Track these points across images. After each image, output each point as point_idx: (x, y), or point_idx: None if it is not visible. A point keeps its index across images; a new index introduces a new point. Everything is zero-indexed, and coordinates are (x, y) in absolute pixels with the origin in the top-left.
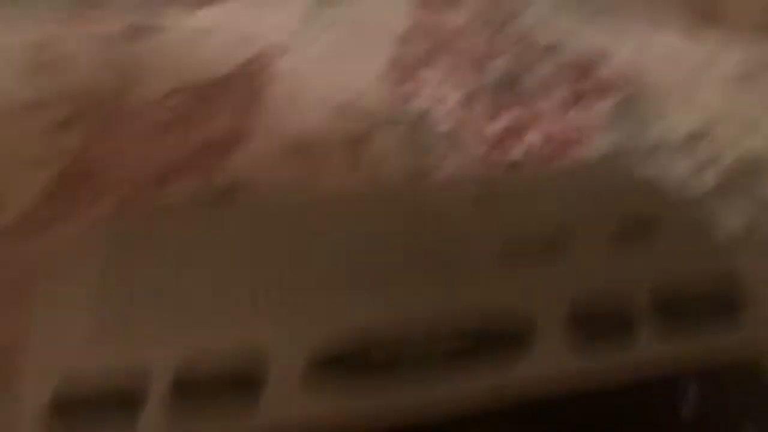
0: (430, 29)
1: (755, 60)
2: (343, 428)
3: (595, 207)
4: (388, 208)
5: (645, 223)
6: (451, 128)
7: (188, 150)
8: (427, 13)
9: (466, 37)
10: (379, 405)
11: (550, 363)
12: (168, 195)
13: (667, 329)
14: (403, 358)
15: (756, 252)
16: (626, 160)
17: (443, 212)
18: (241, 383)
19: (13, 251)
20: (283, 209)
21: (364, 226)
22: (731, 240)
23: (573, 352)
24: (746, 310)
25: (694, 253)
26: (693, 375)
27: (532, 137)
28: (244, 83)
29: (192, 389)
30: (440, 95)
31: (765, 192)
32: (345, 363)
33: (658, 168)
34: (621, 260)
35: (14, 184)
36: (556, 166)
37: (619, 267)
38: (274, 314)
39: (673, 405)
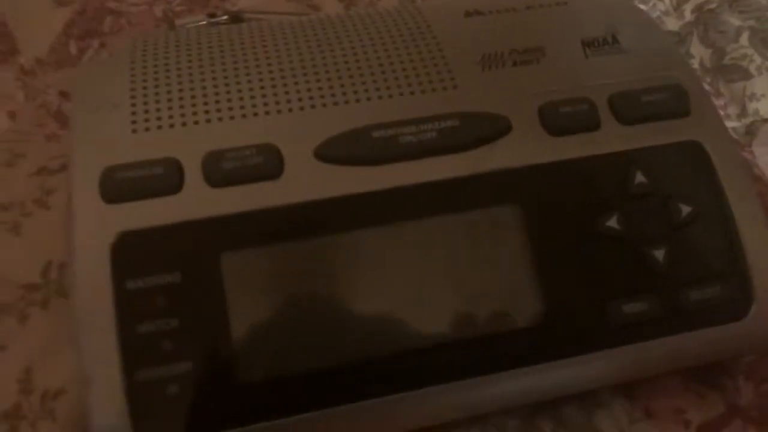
0: None
1: None
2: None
3: (569, 24)
4: (386, 23)
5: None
6: None
7: None
8: None
9: None
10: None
11: (524, 146)
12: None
13: (624, 128)
14: (399, 143)
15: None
16: None
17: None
18: (261, 173)
19: (49, 79)
20: (287, 27)
21: (363, 39)
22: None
23: (544, 139)
24: (691, 114)
25: (649, 65)
26: (641, 157)
27: None
28: None
29: (221, 177)
30: None
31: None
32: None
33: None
34: (585, 70)
35: (41, 22)
36: None
37: (583, 76)
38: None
39: (623, 182)
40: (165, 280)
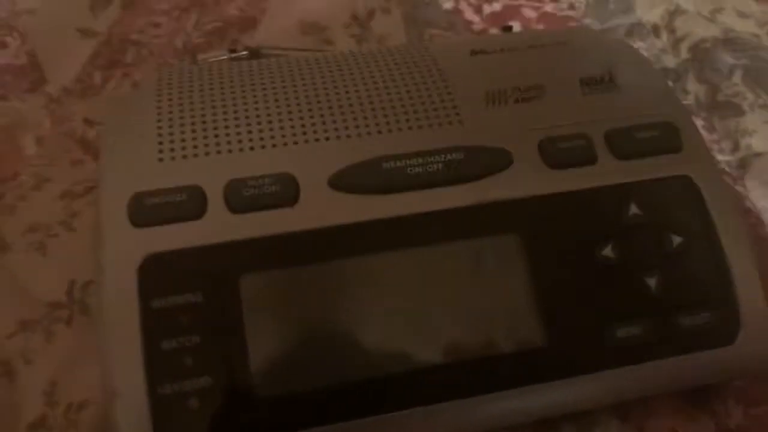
0: None
1: None
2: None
3: (568, 63)
4: (396, 61)
5: (609, 76)
6: (453, 7)
7: (210, 28)
8: None
9: None
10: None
11: (525, 178)
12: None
13: (620, 163)
14: (407, 174)
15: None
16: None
17: (442, 61)
18: (279, 200)
19: (75, 107)
20: (303, 62)
21: (375, 75)
22: (673, 96)
23: (543, 172)
24: (683, 150)
25: (643, 103)
26: (635, 190)
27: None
28: None
29: (241, 204)
30: None
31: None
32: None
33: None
34: (583, 107)
35: (67, 53)
36: (543, 31)
37: (581, 112)
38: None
39: (618, 213)
40: (188, 299)
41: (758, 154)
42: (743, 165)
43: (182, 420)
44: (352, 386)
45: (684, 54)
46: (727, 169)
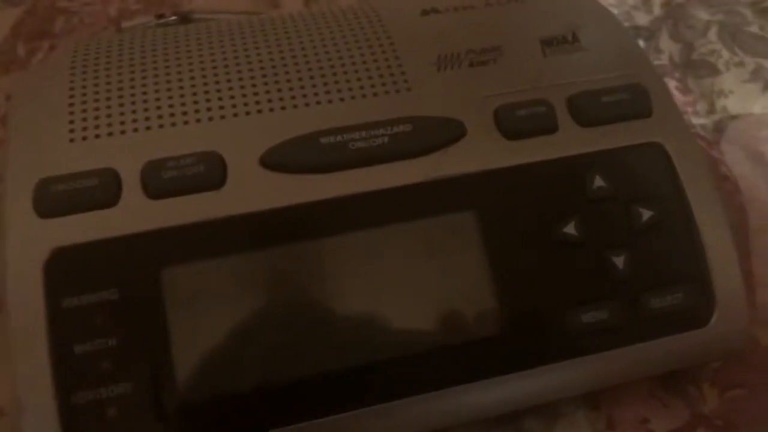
0: None
1: None
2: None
3: (528, 22)
4: (340, 23)
5: (573, 36)
6: None
7: None
8: None
9: None
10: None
11: (479, 150)
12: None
13: (583, 130)
14: (348, 149)
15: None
16: None
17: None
18: (203, 182)
19: None
20: (235, 27)
21: (314, 39)
22: (643, 56)
23: (499, 144)
24: (653, 114)
25: (610, 65)
26: (600, 161)
27: None
28: None
29: (160, 188)
30: None
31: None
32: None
33: None
34: (544, 70)
35: None
36: None
37: (541, 76)
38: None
39: (581, 186)
40: (102, 297)
41: (734, 117)
42: (719, 128)
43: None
44: (290, 388)
45: (657, 11)
46: (702, 132)
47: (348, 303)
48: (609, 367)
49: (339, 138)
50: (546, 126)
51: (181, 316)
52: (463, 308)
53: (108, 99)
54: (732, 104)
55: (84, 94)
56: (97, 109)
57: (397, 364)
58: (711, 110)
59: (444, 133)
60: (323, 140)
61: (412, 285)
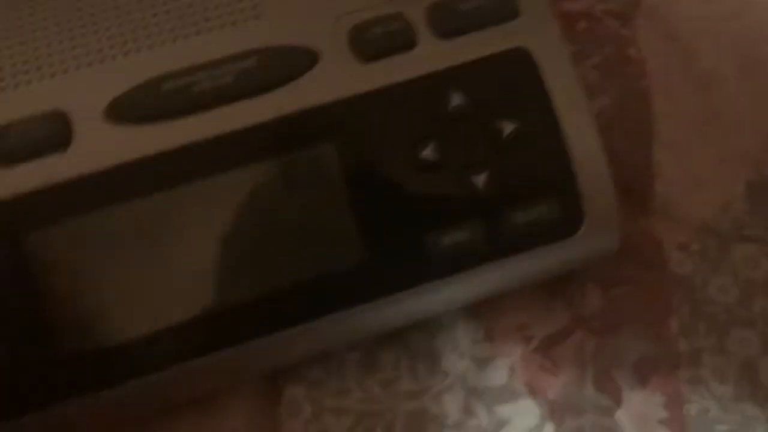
0: None
1: None
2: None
3: None
4: None
5: None
6: None
7: None
8: None
9: None
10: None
11: (333, 78)
12: None
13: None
14: (192, 93)
15: None
16: None
17: None
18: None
19: None
20: None
21: None
22: None
23: (354, 68)
24: (519, 15)
25: None
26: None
27: None
28: None
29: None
30: None
31: None
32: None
33: None
34: None
35: None
36: None
37: None
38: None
39: (439, 106)
40: None
41: None
42: (635, 1)
43: None
44: (160, 334)
45: None
46: (615, 7)
47: (209, 247)
48: (477, 285)
49: (180, 82)
50: (403, 43)
51: (47, 277)
52: (328, 240)
53: None
54: None
55: None
56: None
57: (267, 299)
58: None
59: (293, 63)
60: (164, 86)
61: (274, 225)
